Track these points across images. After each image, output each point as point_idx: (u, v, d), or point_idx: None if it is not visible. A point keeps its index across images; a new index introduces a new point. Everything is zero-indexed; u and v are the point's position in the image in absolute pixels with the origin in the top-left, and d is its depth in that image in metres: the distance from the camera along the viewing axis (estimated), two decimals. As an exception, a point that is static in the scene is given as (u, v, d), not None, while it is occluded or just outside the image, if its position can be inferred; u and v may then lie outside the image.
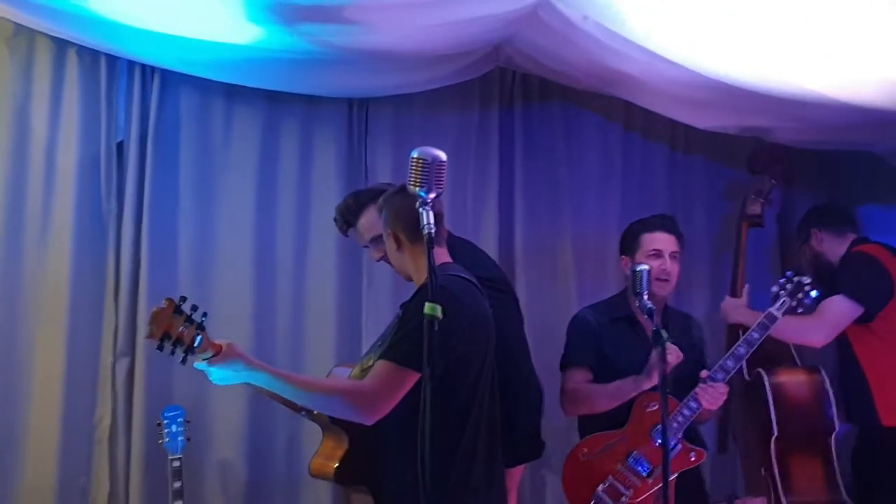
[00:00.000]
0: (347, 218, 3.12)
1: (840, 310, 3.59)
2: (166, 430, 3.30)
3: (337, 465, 2.77)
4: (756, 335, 3.23)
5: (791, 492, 3.54)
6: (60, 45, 3.58)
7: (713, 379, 3.16)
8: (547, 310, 4.09)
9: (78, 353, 3.56)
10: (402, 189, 2.58)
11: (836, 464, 3.58)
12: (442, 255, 2.56)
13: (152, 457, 3.53)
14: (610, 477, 3.18)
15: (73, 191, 3.59)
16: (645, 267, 2.83)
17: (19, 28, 3.52)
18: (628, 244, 3.41)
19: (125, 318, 3.62)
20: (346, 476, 2.78)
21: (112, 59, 3.67)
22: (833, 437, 3.58)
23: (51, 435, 3.50)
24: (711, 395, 3.14)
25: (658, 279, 3.24)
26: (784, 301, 3.26)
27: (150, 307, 3.47)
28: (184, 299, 2.23)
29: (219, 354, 2.28)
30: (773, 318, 3.24)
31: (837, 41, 2.90)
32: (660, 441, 3.10)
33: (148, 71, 3.73)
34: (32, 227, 3.55)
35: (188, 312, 2.22)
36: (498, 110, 4.23)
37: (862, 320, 3.60)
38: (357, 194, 3.18)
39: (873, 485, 3.63)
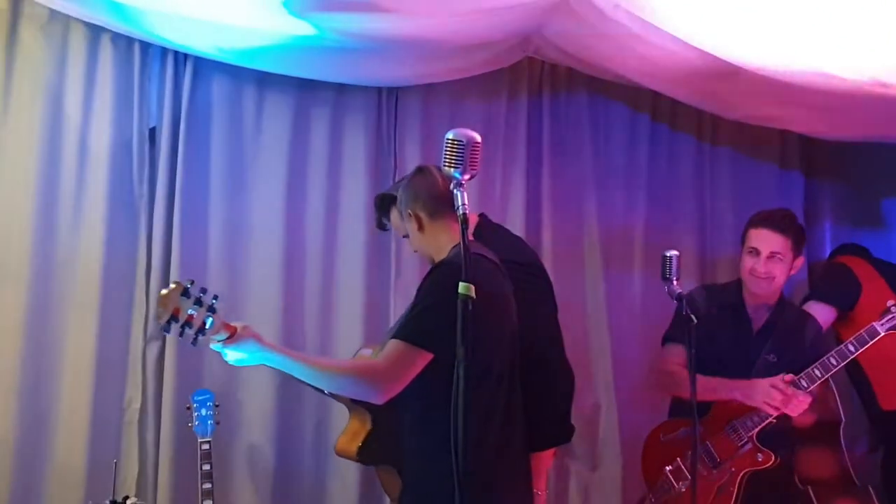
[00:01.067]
0: (380, 216, 3.17)
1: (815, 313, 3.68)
2: (196, 414, 3.35)
3: (360, 444, 2.80)
4: (852, 348, 3.16)
5: (805, 479, 3.62)
6: (95, 32, 3.62)
7: (796, 385, 3.14)
8: (573, 300, 4.09)
9: (109, 337, 3.60)
10: (420, 169, 2.65)
11: (845, 452, 3.62)
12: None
13: (181, 440, 3.57)
14: (678, 460, 3.28)
15: (105, 176, 3.63)
16: (674, 252, 2.84)
17: (54, 14, 3.55)
18: (742, 235, 3.45)
19: (156, 302, 3.66)
20: (368, 456, 2.81)
21: (145, 46, 3.70)
22: (841, 427, 3.60)
23: (82, 418, 3.55)
24: (793, 402, 3.13)
25: (754, 276, 3.25)
26: (892, 317, 3.14)
27: (181, 292, 3.56)
28: (192, 283, 2.27)
29: (233, 336, 2.32)
30: (874, 333, 3.15)
31: (864, 28, 2.88)
32: (734, 436, 3.20)
33: (181, 58, 3.76)
34: (65, 211, 3.59)
35: (198, 295, 2.26)
36: (526, 100, 4.23)
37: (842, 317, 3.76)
38: (382, 196, 3.19)
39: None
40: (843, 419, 3.62)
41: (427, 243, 2.63)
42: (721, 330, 3.34)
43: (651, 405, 3.98)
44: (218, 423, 3.37)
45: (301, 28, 3.26)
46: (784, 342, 3.21)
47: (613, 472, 4.09)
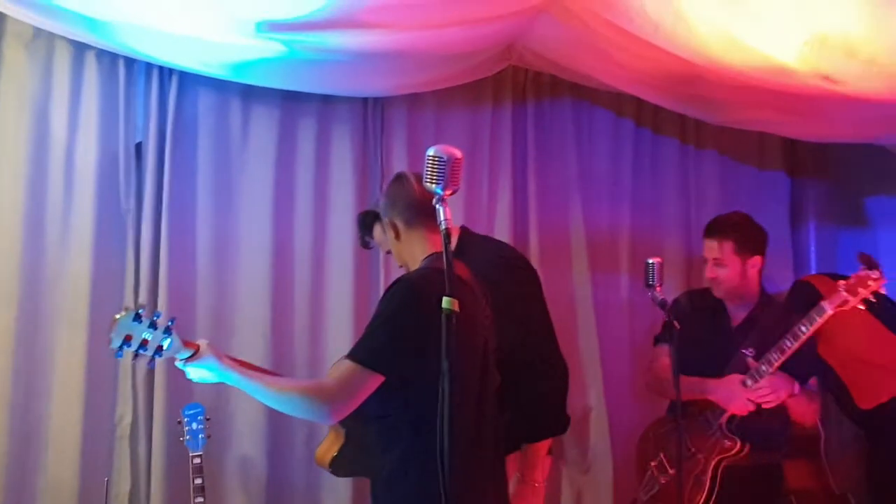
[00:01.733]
0: (363, 234, 3.21)
1: None
2: (187, 428, 3.34)
3: (333, 456, 2.81)
4: (804, 328, 3.20)
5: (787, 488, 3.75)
6: (79, 48, 3.63)
7: (757, 373, 3.21)
8: (560, 304, 4.10)
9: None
10: (398, 177, 2.61)
11: (825, 462, 3.88)
12: (438, 243, 2.39)
13: (173, 454, 3.57)
14: (661, 455, 3.42)
15: (92, 191, 3.64)
16: (656, 259, 2.90)
17: (38, 31, 3.56)
18: None
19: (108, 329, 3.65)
20: (340, 468, 2.83)
21: (130, 62, 3.71)
22: (822, 442, 3.87)
23: (73, 433, 3.55)
24: (761, 390, 3.20)
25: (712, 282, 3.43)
26: (839, 296, 3.18)
27: (169, 306, 3.58)
28: (143, 307, 2.35)
29: (196, 354, 2.35)
30: (821, 311, 3.18)
31: (843, 34, 2.91)
32: (706, 426, 3.28)
33: (166, 72, 3.77)
34: (53, 227, 3.59)
35: (152, 319, 2.32)
36: (511, 107, 4.26)
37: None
38: (364, 214, 3.22)
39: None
40: (823, 435, 3.85)
41: (402, 252, 2.58)
42: (702, 330, 3.43)
43: (641, 406, 4.02)
44: (209, 436, 3.37)
45: (284, 45, 3.28)
46: (764, 336, 3.26)
47: (605, 474, 4.12)
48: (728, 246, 3.42)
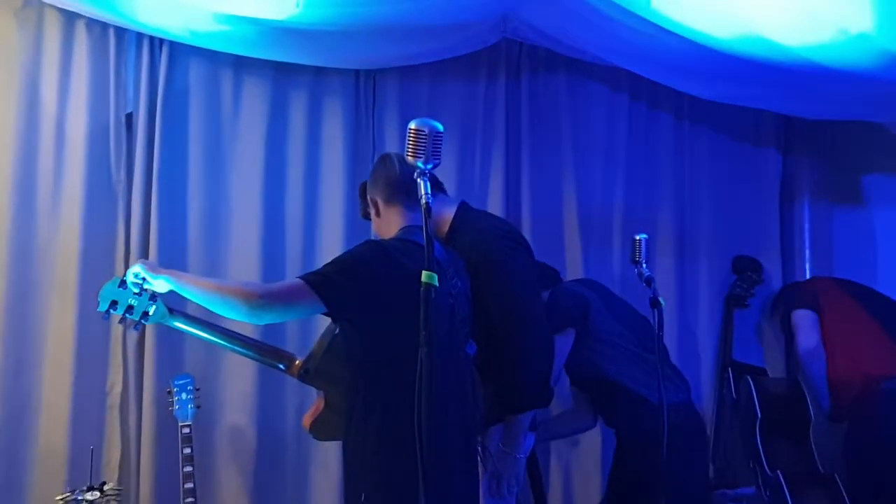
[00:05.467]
0: (364, 205, 3.19)
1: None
2: (176, 398, 3.36)
3: (313, 420, 2.84)
4: None
5: (775, 467, 3.88)
6: (69, 18, 3.61)
7: None
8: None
9: (89, 321, 3.59)
10: (382, 157, 2.73)
11: (812, 444, 3.99)
12: (415, 220, 2.56)
13: (163, 423, 3.58)
14: None
15: (83, 162, 3.64)
16: (643, 236, 2.87)
17: (28, 1, 3.54)
18: None
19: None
20: (320, 432, 2.86)
21: (121, 31, 3.69)
22: (810, 425, 4.00)
23: (63, 402, 3.56)
24: None
25: None
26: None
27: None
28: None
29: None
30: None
31: (838, 12, 2.90)
32: None
33: (156, 43, 3.75)
34: (43, 197, 3.60)
35: (138, 284, 2.57)
36: (504, 81, 4.24)
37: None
38: (365, 185, 3.20)
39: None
40: (813, 418, 3.97)
41: (381, 227, 2.70)
42: None
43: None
44: (198, 407, 3.39)
45: (276, 12, 3.26)
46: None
47: (593, 448, 4.13)
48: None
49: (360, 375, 2.44)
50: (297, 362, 2.79)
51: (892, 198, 3.85)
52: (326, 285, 2.38)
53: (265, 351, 2.83)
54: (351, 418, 2.46)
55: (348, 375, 2.49)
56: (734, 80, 3.76)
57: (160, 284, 2.54)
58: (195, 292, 2.50)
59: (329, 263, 2.46)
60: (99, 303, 2.62)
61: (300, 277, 2.42)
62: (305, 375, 2.77)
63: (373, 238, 2.87)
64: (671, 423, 2.79)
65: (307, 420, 2.90)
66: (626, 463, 3.40)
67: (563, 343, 3.25)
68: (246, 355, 2.85)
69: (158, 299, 2.63)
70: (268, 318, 2.45)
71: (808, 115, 4.34)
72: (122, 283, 2.59)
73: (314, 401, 2.96)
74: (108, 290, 2.62)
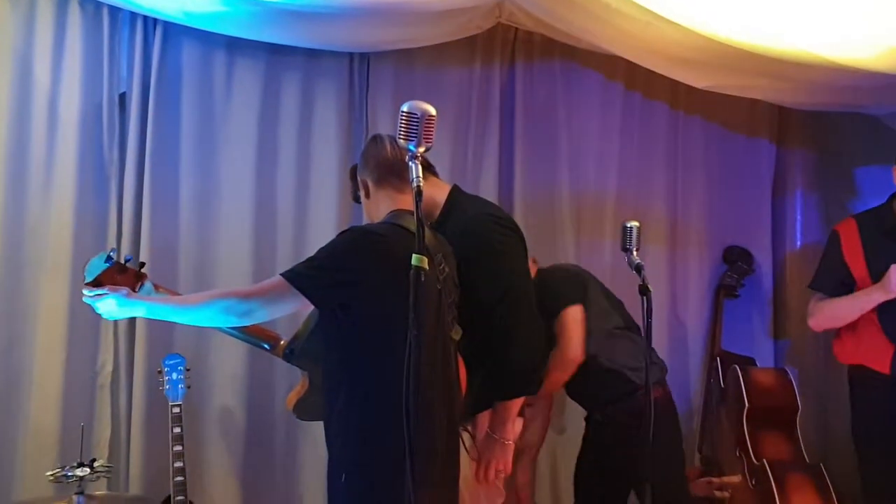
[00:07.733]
0: (355, 188, 3.19)
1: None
2: (166, 378, 3.38)
3: (297, 400, 2.87)
4: None
5: (761, 456, 3.91)
6: (63, -3, 3.61)
7: None
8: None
9: (80, 301, 3.57)
10: (373, 138, 2.71)
11: (799, 434, 4.01)
12: (404, 203, 2.56)
13: (153, 403, 3.61)
14: None
15: (75, 141, 3.64)
16: (634, 223, 2.85)
17: (22, -21, 3.54)
18: None
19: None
20: (303, 412, 2.89)
21: (114, 11, 3.69)
22: (797, 415, 4.02)
23: (55, 381, 3.58)
24: None
25: None
26: None
27: (151, 256, 3.59)
28: (113, 250, 2.67)
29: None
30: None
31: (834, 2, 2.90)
32: None
33: (150, 23, 3.75)
34: (36, 177, 3.60)
35: (123, 262, 2.63)
36: (499, 67, 4.23)
37: None
38: (355, 168, 3.20)
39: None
40: (800, 407, 3.99)
41: (370, 209, 2.69)
42: None
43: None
44: (189, 387, 3.40)
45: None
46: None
47: (580, 435, 4.14)
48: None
49: (341, 360, 2.44)
50: (282, 342, 2.83)
51: (883, 190, 3.84)
52: (303, 279, 2.39)
53: (250, 331, 2.84)
54: (331, 400, 2.47)
55: (326, 359, 2.51)
56: (728, 69, 3.76)
57: (137, 312, 2.57)
58: (177, 313, 2.55)
59: (310, 257, 2.46)
60: (85, 277, 2.64)
61: (281, 274, 2.43)
62: (290, 356, 2.80)
63: (364, 221, 2.87)
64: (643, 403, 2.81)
65: (290, 400, 2.93)
66: (600, 448, 3.49)
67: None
68: (231, 335, 2.85)
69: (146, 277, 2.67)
70: (255, 319, 2.48)
71: (802, 105, 4.35)
72: (109, 259, 2.60)
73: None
74: (95, 266, 2.64)
